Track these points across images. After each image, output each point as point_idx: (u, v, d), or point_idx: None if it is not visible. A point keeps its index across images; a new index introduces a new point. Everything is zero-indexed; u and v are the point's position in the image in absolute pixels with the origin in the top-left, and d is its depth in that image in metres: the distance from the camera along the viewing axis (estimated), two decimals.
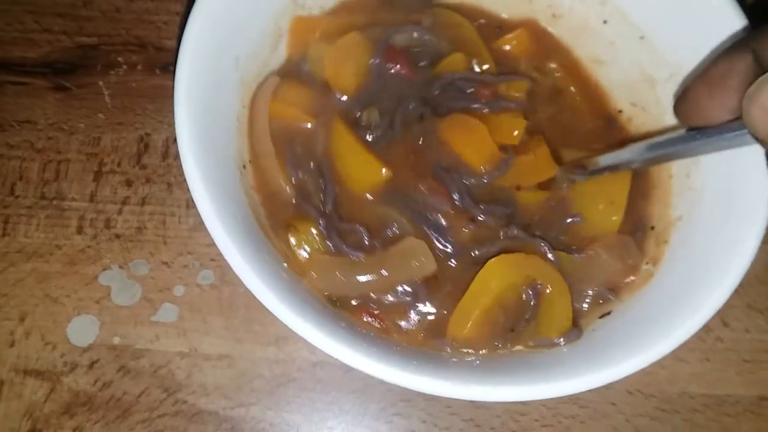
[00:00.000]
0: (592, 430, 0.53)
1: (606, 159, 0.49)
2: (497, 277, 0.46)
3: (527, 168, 0.52)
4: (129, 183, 0.58)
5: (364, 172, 0.49)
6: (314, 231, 0.48)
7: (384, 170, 0.49)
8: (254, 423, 0.52)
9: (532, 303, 0.47)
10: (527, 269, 0.47)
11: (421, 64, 0.54)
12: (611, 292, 0.50)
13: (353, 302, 0.47)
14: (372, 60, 0.53)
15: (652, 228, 0.52)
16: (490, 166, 0.50)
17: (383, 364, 0.39)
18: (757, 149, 0.42)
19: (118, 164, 0.59)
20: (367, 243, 0.48)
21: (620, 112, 0.57)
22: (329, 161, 0.50)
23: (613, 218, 0.51)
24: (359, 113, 0.52)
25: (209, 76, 0.44)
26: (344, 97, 0.53)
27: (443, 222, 0.49)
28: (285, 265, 0.46)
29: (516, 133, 0.51)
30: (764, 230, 0.44)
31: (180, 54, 0.43)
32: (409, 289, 0.48)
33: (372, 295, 0.47)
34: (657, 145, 0.45)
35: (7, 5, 0.64)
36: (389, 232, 0.48)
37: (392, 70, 0.53)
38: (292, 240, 0.47)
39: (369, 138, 0.50)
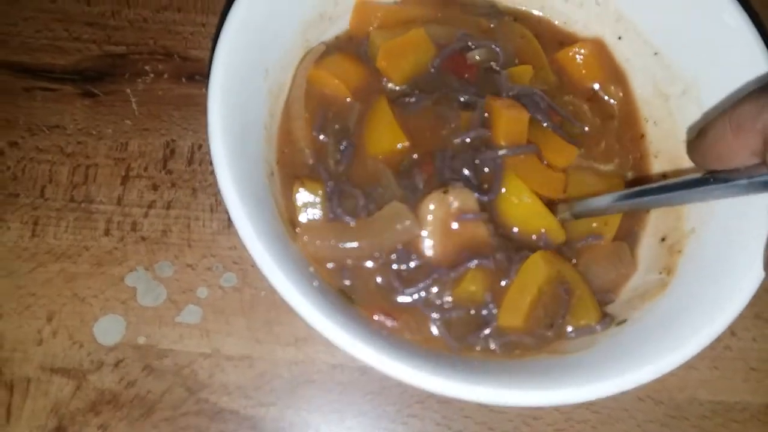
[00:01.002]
0: None
1: (608, 198, 0.49)
2: (540, 269, 0.48)
3: (542, 176, 0.53)
4: (155, 187, 0.60)
5: (387, 137, 0.52)
6: (320, 192, 0.50)
7: (401, 144, 0.52)
8: (274, 422, 0.53)
9: (565, 298, 0.49)
10: (557, 264, 0.50)
11: (485, 68, 0.57)
12: (609, 294, 0.52)
13: (367, 300, 0.49)
14: (432, 61, 0.57)
15: (663, 239, 0.53)
16: (511, 143, 0.52)
17: (403, 365, 0.40)
18: None
19: (145, 169, 0.60)
20: (362, 207, 0.50)
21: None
22: (359, 127, 0.54)
23: (607, 236, 0.53)
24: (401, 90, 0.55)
25: (240, 87, 0.46)
26: (392, 85, 0.56)
27: (421, 188, 0.51)
28: (311, 269, 0.47)
29: (565, 159, 0.54)
30: None
31: (213, 64, 0.45)
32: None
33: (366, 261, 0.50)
34: (667, 188, 0.45)
35: (36, 13, 0.66)
36: (379, 192, 0.51)
37: (454, 75, 0.56)
38: (297, 197, 0.50)
39: (405, 100, 0.54)
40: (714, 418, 0.56)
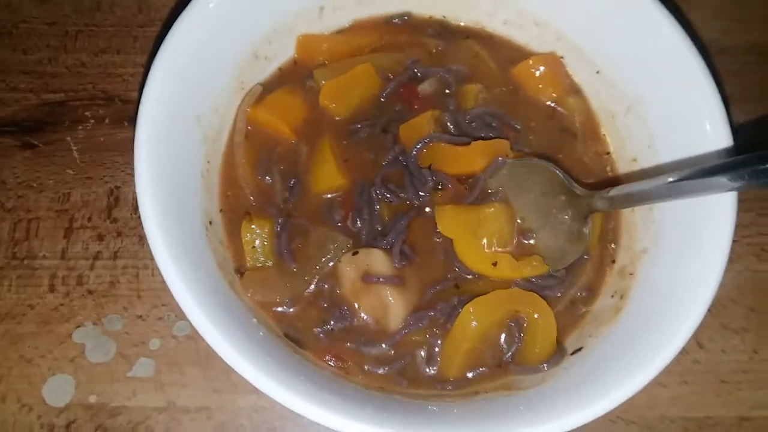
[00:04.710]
0: None
1: (649, 185, 0.45)
2: (476, 320, 0.47)
3: (456, 155, 0.52)
4: (100, 237, 0.58)
5: (328, 178, 0.53)
6: (267, 229, 0.50)
7: (340, 182, 0.53)
8: None
9: (516, 335, 0.49)
10: (510, 304, 0.49)
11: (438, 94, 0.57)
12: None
13: (316, 343, 0.49)
14: (380, 93, 0.56)
15: (613, 262, 0.52)
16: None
17: (353, 420, 0.39)
18: None
19: (89, 219, 0.59)
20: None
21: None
22: (305, 167, 0.54)
23: (585, 257, 0.53)
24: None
25: (170, 137, 0.45)
26: (337, 118, 0.56)
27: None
28: (254, 320, 0.46)
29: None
30: (726, 259, 0.44)
31: (139, 116, 0.43)
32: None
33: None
34: (712, 171, 0.41)
35: None
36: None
37: (403, 105, 0.56)
38: (247, 234, 0.50)
39: (350, 128, 0.55)
40: None
